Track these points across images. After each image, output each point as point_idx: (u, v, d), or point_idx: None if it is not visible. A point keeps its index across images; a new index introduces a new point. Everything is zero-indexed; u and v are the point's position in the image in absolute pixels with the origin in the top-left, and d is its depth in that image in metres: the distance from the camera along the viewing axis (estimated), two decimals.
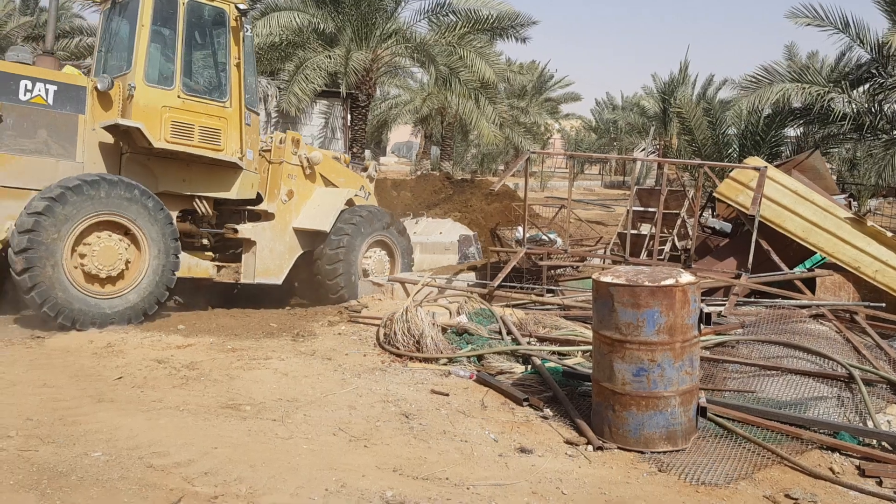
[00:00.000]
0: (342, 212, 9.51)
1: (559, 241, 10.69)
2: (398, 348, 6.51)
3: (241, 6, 8.55)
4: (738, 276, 7.72)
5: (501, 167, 37.73)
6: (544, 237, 10.81)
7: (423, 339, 6.48)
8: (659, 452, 4.52)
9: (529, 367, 6.02)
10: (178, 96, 8.18)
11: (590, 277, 9.82)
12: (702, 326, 4.67)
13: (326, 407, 5.12)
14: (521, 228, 10.45)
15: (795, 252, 8.62)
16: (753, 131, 14.66)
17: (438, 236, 12.05)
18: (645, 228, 12.03)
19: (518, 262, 8.67)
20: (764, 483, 4.24)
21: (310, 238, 9.48)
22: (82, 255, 7.34)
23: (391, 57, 18.62)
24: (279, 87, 16.64)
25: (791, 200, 8.45)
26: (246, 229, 9.02)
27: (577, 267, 10.07)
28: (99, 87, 7.88)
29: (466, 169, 38.67)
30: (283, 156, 9.40)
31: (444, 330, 6.84)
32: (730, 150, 15.65)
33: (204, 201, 8.76)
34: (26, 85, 7.62)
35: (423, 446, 4.52)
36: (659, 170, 21.22)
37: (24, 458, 3.89)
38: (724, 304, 7.19)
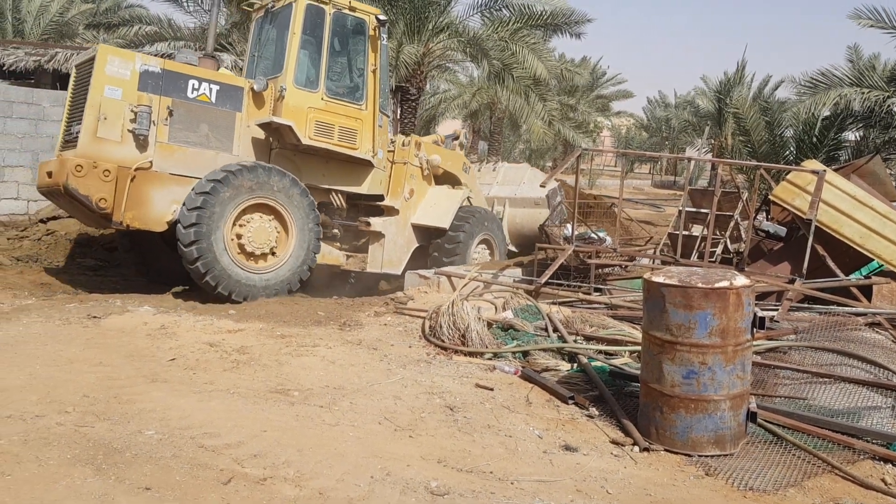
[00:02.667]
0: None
1: (608, 239, 10.60)
2: (443, 341, 6.54)
3: (381, 17, 9.42)
4: (792, 281, 7.56)
5: (549, 163, 37.53)
6: (593, 235, 10.73)
7: (469, 332, 6.49)
8: (706, 456, 4.46)
9: (575, 365, 5.98)
10: (322, 98, 9.03)
11: (639, 277, 9.75)
12: (755, 331, 4.60)
13: (372, 396, 5.16)
14: (569, 226, 10.39)
15: (852, 258, 8.41)
16: (811, 134, 14.32)
17: (525, 189, 12.32)
18: (697, 230, 11.85)
19: (566, 259, 8.62)
20: (813, 491, 4.16)
21: (424, 233, 10.33)
22: (239, 234, 8.24)
23: (443, 51, 18.63)
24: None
25: (849, 205, 8.24)
26: (377, 223, 9.83)
27: (626, 266, 9.97)
28: (255, 87, 8.71)
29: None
30: (407, 157, 10.25)
31: (489, 325, 6.85)
32: (786, 153, 15.33)
33: (339, 195, 9.71)
34: (193, 84, 8.39)
35: (467, 439, 4.53)
36: (712, 170, 20.89)
37: (81, 434, 4.01)
38: (777, 309, 7.06)
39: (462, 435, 4.59)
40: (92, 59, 8.06)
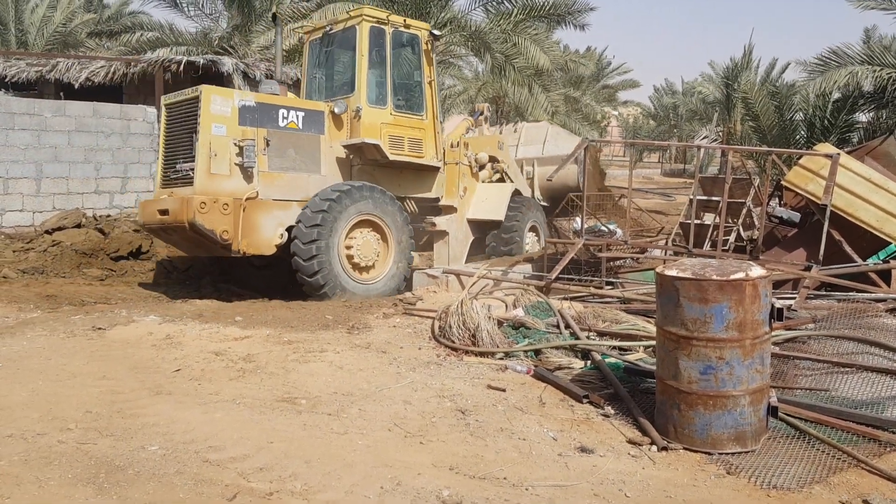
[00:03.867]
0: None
1: (619, 231, 10.44)
2: (453, 342, 6.41)
3: (435, 32, 10.10)
4: (808, 269, 7.38)
5: None
6: (603, 228, 10.57)
7: (479, 332, 6.36)
8: (727, 454, 4.32)
9: (589, 362, 5.84)
10: (391, 113, 9.71)
11: (651, 269, 9.58)
12: (773, 322, 4.45)
13: (381, 401, 5.04)
14: (579, 219, 10.24)
15: (869, 243, 8.21)
16: (822, 116, 14.07)
17: (550, 147, 12.90)
18: (708, 218, 11.66)
19: (576, 253, 8.47)
20: (840, 487, 4.00)
21: (479, 227, 11.10)
22: (349, 247, 8.86)
23: (446, 46, 18.46)
24: None
25: (864, 189, 8.05)
26: (441, 222, 10.51)
27: (638, 259, 9.80)
28: (336, 111, 9.29)
29: None
30: (458, 157, 10.86)
31: (499, 323, 6.71)
32: (797, 136, 15.07)
33: (411, 201, 10.43)
34: (283, 113, 8.97)
35: (479, 444, 4.41)
36: (722, 157, 20.62)
37: (83, 451, 3.91)
38: (794, 298, 6.89)
39: (474, 439, 4.47)
40: (192, 100, 8.51)
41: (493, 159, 11.55)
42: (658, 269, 4.62)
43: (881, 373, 5.39)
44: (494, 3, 18.59)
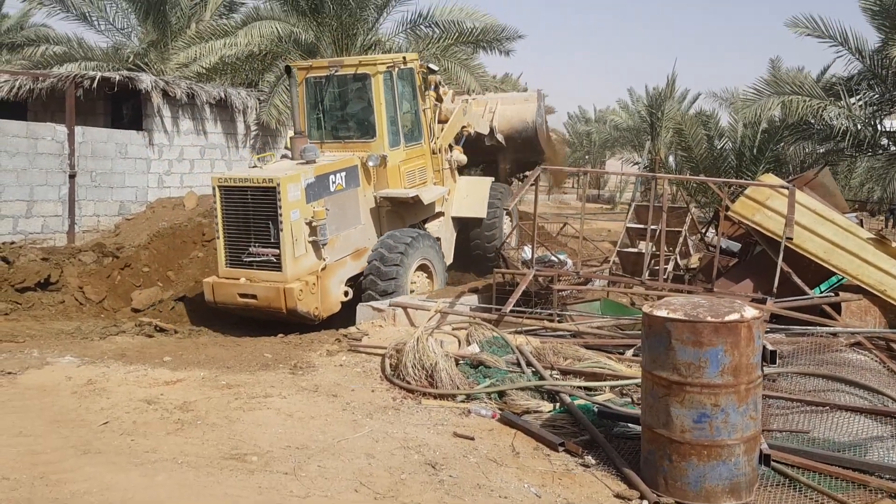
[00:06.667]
0: None
1: (569, 262, 10.23)
2: (409, 383, 5.97)
3: (433, 66, 10.51)
4: (763, 301, 7.29)
5: None
6: (553, 258, 10.34)
7: (437, 372, 5.94)
8: None
9: (558, 405, 5.51)
10: (403, 150, 10.10)
11: (597, 300, 9.38)
12: (765, 365, 4.23)
13: (341, 455, 4.57)
14: (528, 248, 9.99)
15: (813, 274, 8.21)
16: (751, 146, 14.35)
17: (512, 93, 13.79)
18: (642, 246, 11.59)
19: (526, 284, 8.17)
20: None
21: (461, 221, 11.42)
22: (412, 288, 9.19)
23: None
24: (259, 99, 15.99)
25: (810, 220, 8.05)
26: (433, 228, 10.68)
27: (580, 290, 9.57)
28: (370, 164, 9.53)
29: None
30: (441, 164, 11.07)
31: (456, 362, 6.32)
32: (725, 165, 15.34)
33: (421, 223, 10.61)
34: (332, 178, 9.19)
35: None
36: (645, 186, 20.93)
37: None
38: None
39: (452, 499, 4.06)
40: (267, 190, 8.51)
41: (462, 133, 11.82)
42: (646, 310, 4.34)
43: (856, 412, 5.26)
44: (421, 26, 18.39)
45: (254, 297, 8.64)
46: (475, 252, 11.71)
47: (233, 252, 8.94)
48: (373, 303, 8.33)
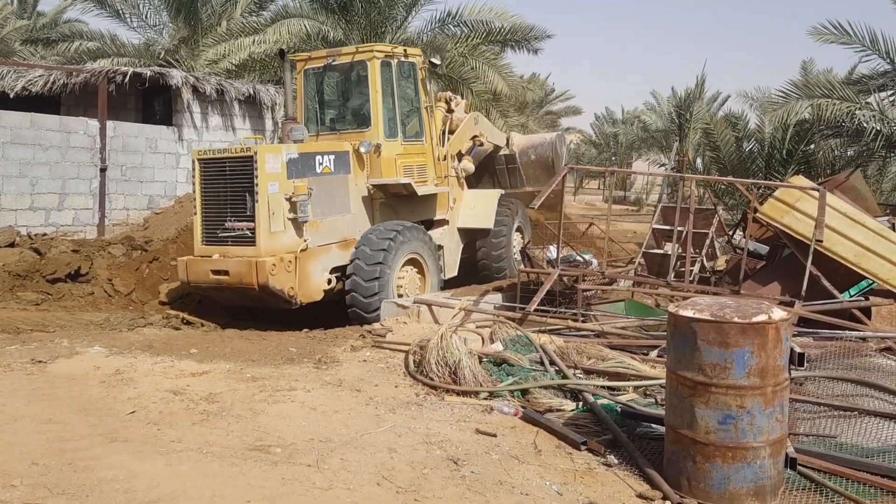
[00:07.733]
0: None
1: (595, 262, 10.18)
2: (432, 379, 5.98)
3: (434, 61, 10.18)
4: (791, 304, 7.21)
5: None
6: (578, 258, 10.30)
7: (460, 369, 5.95)
8: None
9: (581, 403, 5.49)
10: (401, 143, 9.81)
11: (621, 301, 9.34)
12: (792, 368, 4.18)
13: (364, 449, 4.59)
14: (553, 247, 9.98)
15: (843, 278, 8.11)
16: (780, 147, 14.19)
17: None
18: (668, 247, 11.50)
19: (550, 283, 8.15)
20: None
21: (468, 234, 11.13)
22: (399, 285, 8.93)
23: None
24: None
25: (841, 223, 7.95)
26: (436, 236, 10.33)
27: (605, 290, 9.54)
28: (362, 150, 9.27)
29: None
30: (447, 171, 10.80)
31: (479, 359, 6.32)
32: (753, 167, 15.17)
33: (420, 224, 10.16)
34: (319, 160, 8.96)
35: (479, 500, 4.00)
36: (672, 186, 20.74)
37: None
38: None
39: (473, 495, 4.05)
40: (244, 159, 8.37)
41: (473, 143, 11.60)
42: (671, 309, 4.31)
43: (885, 418, 5.18)
44: (450, 25, 18.41)
45: (226, 272, 8.38)
46: (482, 268, 11.34)
47: (209, 228, 8.75)
48: (397, 300, 8.35)
